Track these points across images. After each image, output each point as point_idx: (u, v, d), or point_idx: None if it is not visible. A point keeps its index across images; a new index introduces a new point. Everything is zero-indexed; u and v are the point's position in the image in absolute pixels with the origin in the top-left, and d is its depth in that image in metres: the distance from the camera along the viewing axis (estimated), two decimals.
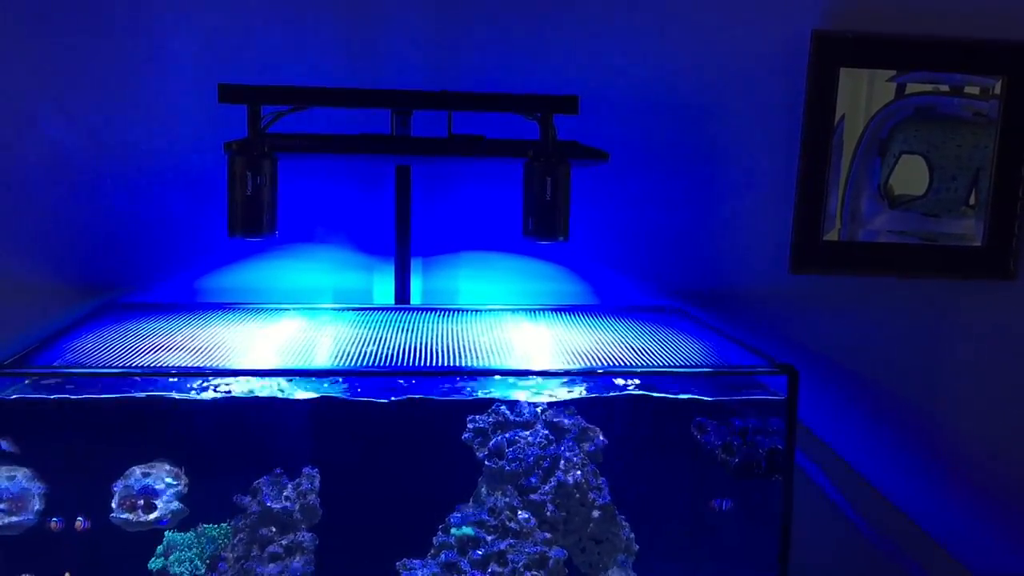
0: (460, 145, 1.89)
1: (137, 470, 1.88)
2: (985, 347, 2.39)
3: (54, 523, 1.79)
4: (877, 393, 2.39)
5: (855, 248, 2.34)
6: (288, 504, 1.87)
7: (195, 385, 1.83)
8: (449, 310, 2.19)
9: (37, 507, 1.80)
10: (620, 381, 1.88)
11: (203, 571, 1.86)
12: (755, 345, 1.93)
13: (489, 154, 1.91)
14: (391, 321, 2.06)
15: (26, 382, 1.75)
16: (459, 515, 1.88)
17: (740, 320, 2.31)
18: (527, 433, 1.93)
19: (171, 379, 1.79)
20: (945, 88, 2.30)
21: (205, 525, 1.89)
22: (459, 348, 1.86)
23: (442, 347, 1.86)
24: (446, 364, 1.78)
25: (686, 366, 1.81)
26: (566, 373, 1.85)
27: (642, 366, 1.80)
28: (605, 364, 1.79)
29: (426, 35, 2.18)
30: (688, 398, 1.89)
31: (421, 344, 1.87)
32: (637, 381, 1.87)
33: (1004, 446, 2.43)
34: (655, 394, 1.87)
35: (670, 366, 1.80)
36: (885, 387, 2.39)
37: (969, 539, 2.45)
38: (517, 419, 1.94)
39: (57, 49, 2.13)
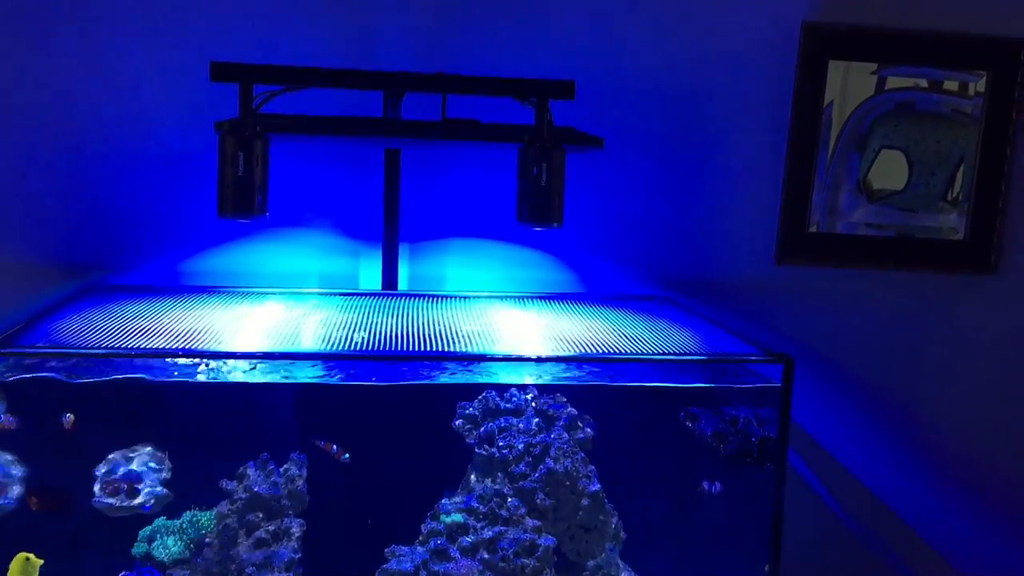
0: (455, 129, 1.88)
1: (120, 454, 1.85)
2: (967, 340, 2.42)
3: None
4: (860, 384, 2.41)
5: (841, 241, 2.35)
6: (275, 490, 1.85)
7: (180, 368, 1.80)
8: (438, 296, 2.18)
9: (17, 491, 1.76)
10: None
11: (188, 556, 1.83)
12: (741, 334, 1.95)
13: (483, 138, 1.90)
14: (379, 307, 2.05)
15: (9, 363, 1.71)
16: (448, 502, 1.87)
17: (726, 309, 2.31)
18: (517, 420, 1.93)
19: (156, 361, 1.76)
20: (924, 84, 2.32)
21: (190, 512, 1.87)
22: (449, 334, 1.85)
23: (432, 333, 1.84)
24: (436, 350, 1.76)
25: (679, 354, 1.81)
26: (558, 359, 1.84)
27: (634, 354, 1.79)
28: (596, 352, 1.78)
29: (420, 18, 2.16)
30: (679, 386, 1.89)
31: (411, 330, 1.86)
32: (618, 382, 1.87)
33: (985, 438, 2.46)
34: (646, 382, 1.87)
35: (663, 354, 1.80)
36: (868, 378, 2.41)
37: (947, 529, 2.49)
38: (507, 406, 1.94)
39: (43, 28, 2.08)
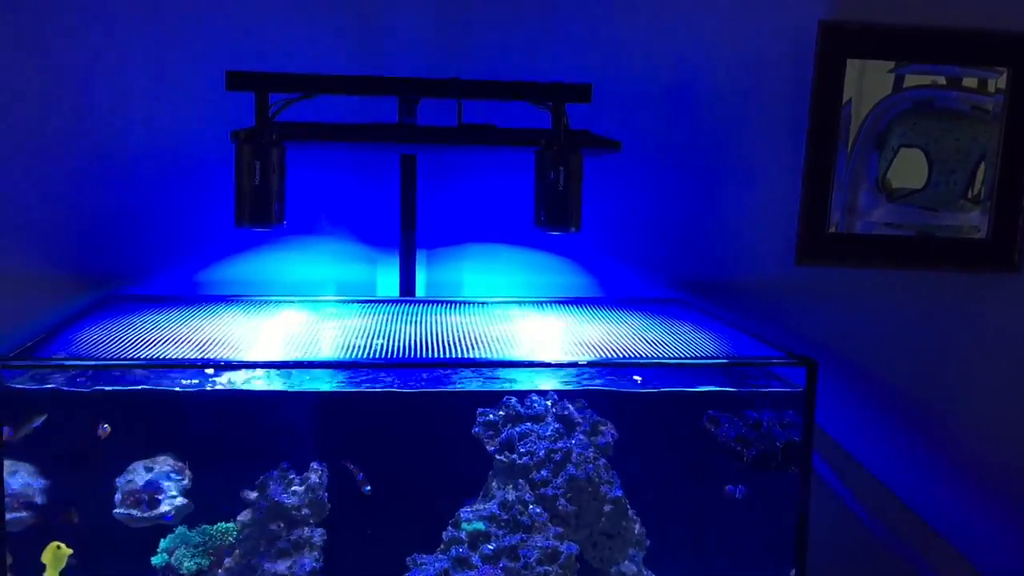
0: (472, 134, 1.87)
1: (140, 465, 1.85)
2: (990, 339, 2.39)
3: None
4: (882, 385, 2.39)
5: (861, 241, 2.33)
6: (296, 499, 1.84)
7: (200, 378, 1.80)
8: (455, 302, 2.17)
9: (39, 503, 1.76)
10: (638, 378, 1.86)
11: (208, 566, 1.83)
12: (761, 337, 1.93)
13: (499, 143, 1.89)
14: (397, 313, 2.04)
15: (29, 375, 1.71)
16: (469, 510, 1.86)
17: (746, 311, 2.30)
18: (537, 426, 1.91)
19: (175, 371, 1.76)
20: (942, 81, 2.30)
21: (210, 525, 1.86)
22: (468, 340, 1.84)
23: (451, 339, 1.83)
24: (455, 356, 1.75)
25: (701, 358, 1.79)
26: (577, 365, 1.83)
27: (655, 358, 1.78)
28: (616, 356, 1.77)
29: (433, 24, 2.15)
30: (700, 390, 1.88)
31: (429, 336, 1.85)
32: (638, 378, 1.86)
33: (1009, 439, 2.43)
34: (667, 387, 1.86)
35: (684, 358, 1.78)
36: (890, 379, 2.39)
37: (972, 531, 2.46)
38: (527, 412, 1.92)
39: (59, 38, 2.09)
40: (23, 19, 2.08)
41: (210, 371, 1.78)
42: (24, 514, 1.74)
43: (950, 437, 2.43)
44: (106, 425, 1.76)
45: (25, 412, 1.71)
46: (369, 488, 1.81)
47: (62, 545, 1.72)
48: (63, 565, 1.73)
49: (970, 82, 2.31)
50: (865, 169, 2.32)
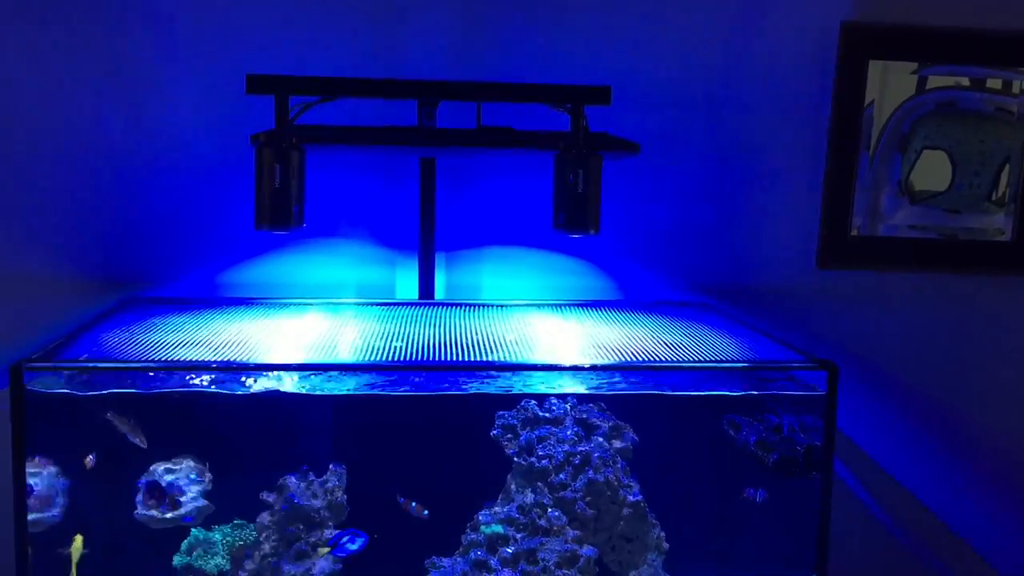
0: (491, 136, 1.87)
1: (161, 466, 1.86)
2: (1014, 343, 2.37)
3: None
4: (904, 389, 2.37)
5: (883, 243, 2.31)
6: (315, 501, 1.85)
7: (221, 380, 1.81)
8: (475, 305, 2.17)
9: (62, 503, 1.78)
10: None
11: (228, 568, 1.84)
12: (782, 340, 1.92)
13: (519, 146, 1.89)
14: (417, 316, 2.04)
15: (52, 377, 1.72)
16: (488, 512, 1.86)
17: (766, 315, 2.28)
18: (556, 430, 1.91)
19: (195, 373, 1.77)
20: (966, 82, 2.28)
21: (231, 524, 1.87)
22: (487, 343, 1.84)
23: (470, 342, 1.83)
24: (475, 359, 1.75)
25: (721, 361, 1.78)
26: (596, 368, 1.82)
27: (675, 361, 1.77)
28: (636, 360, 1.76)
29: (451, 27, 2.15)
30: (720, 394, 1.87)
31: (448, 339, 1.85)
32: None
33: None
34: (686, 391, 1.85)
35: (703, 361, 1.77)
36: (912, 384, 2.37)
37: (996, 537, 2.43)
38: (546, 415, 1.92)
39: (82, 42, 2.10)
40: (45, 26, 2.10)
41: (244, 382, 1.80)
42: (46, 513, 1.75)
43: (973, 441, 2.40)
44: (91, 456, 1.78)
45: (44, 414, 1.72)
46: (427, 512, 1.81)
47: (77, 539, 1.75)
48: (78, 557, 1.75)
49: (994, 83, 2.29)
50: (888, 171, 2.30)
